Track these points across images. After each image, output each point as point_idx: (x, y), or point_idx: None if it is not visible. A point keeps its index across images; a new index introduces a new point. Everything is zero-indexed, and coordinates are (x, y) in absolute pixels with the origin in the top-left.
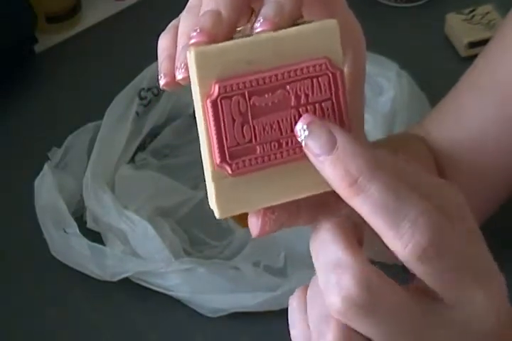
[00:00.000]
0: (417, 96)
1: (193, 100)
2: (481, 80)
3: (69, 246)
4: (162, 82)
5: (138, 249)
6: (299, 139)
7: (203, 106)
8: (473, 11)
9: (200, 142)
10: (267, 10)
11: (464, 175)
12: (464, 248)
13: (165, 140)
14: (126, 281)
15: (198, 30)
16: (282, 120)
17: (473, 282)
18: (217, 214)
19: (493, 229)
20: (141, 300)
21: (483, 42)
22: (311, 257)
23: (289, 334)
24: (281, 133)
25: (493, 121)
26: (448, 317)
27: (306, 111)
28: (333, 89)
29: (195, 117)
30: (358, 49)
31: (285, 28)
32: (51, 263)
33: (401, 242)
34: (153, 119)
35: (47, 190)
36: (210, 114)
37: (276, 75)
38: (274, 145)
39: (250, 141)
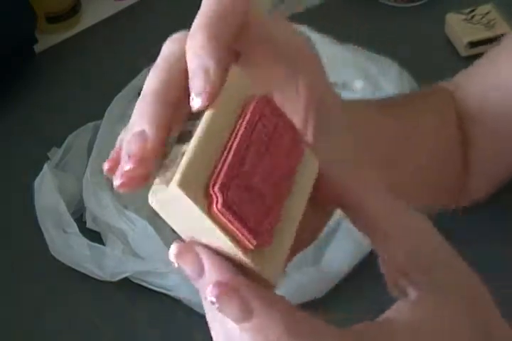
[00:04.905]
0: None
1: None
2: None
3: (69, 246)
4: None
5: (138, 248)
6: (215, 308)
7: (214, 217)
8: (473, 10)
9: (218, 248)
10: (195, 82)
11: (487, 135)
12: None
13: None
14: (126, 281)
15: (128, 157)
16: (268, 166)
17: None
18: (274, 284)
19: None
20: (141, 300)
21: (483, 42)
22: (311, 257)
23: None
24: (271, 174)
25: None
26: None
27: (276, 146)
28: (273, 114)
29: None
30: (310, 68)
31: (221, 84)
32: (51, 263)
33: None
34: None
35: (47, 190)
36: (227, 221)
37: (237, 147)
38: (275, 186)
39: (264, 202)
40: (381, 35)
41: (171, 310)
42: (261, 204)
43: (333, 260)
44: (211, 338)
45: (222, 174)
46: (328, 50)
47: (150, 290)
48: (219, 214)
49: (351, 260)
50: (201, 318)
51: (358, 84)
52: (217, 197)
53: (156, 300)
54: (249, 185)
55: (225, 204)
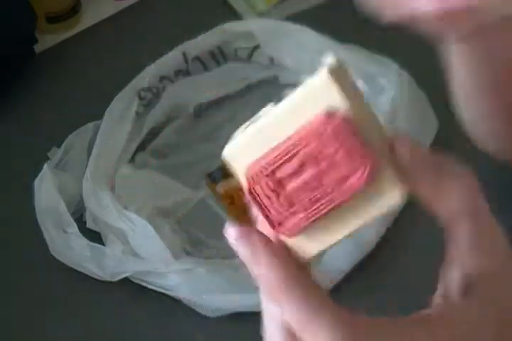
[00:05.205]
0: (417, 96)
1: (192, 99)
2: None
3: (69, 246)
4: None
5: (138, 248)
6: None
7: (246, 197)
8: None
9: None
10: None
11: None
12: None
13: (165, 139)
14: (126, 281)
15: None
16: (307, 182)
17: None
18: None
19: None
20: (141, 300)
21: None
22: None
23: None
24: (313, 191)
25: None
26: None
27: (320, 167)
28: (340, 138)
29: (195, 116)
30: None
31: None
32: (51, 263)
33: None
34: (153, 119)
35: (46, 190)
36: (251, 201)
37: (288, 148)
38: (312, 202)
39: (291, 206)
40: (381, 35)
41: (171, 310)
42: (287, 208)
43: (333, 260)
44: (211, 338)
45: (255, 168)
46: (328, 50)
47: (150, 290)
48: (247, 197)
49: (351, 260)
50: (201, 318)
51: (358, 85)
52: (246, 185)
53: (156, 300)
54: (277, 189)
55: (250, 193)
